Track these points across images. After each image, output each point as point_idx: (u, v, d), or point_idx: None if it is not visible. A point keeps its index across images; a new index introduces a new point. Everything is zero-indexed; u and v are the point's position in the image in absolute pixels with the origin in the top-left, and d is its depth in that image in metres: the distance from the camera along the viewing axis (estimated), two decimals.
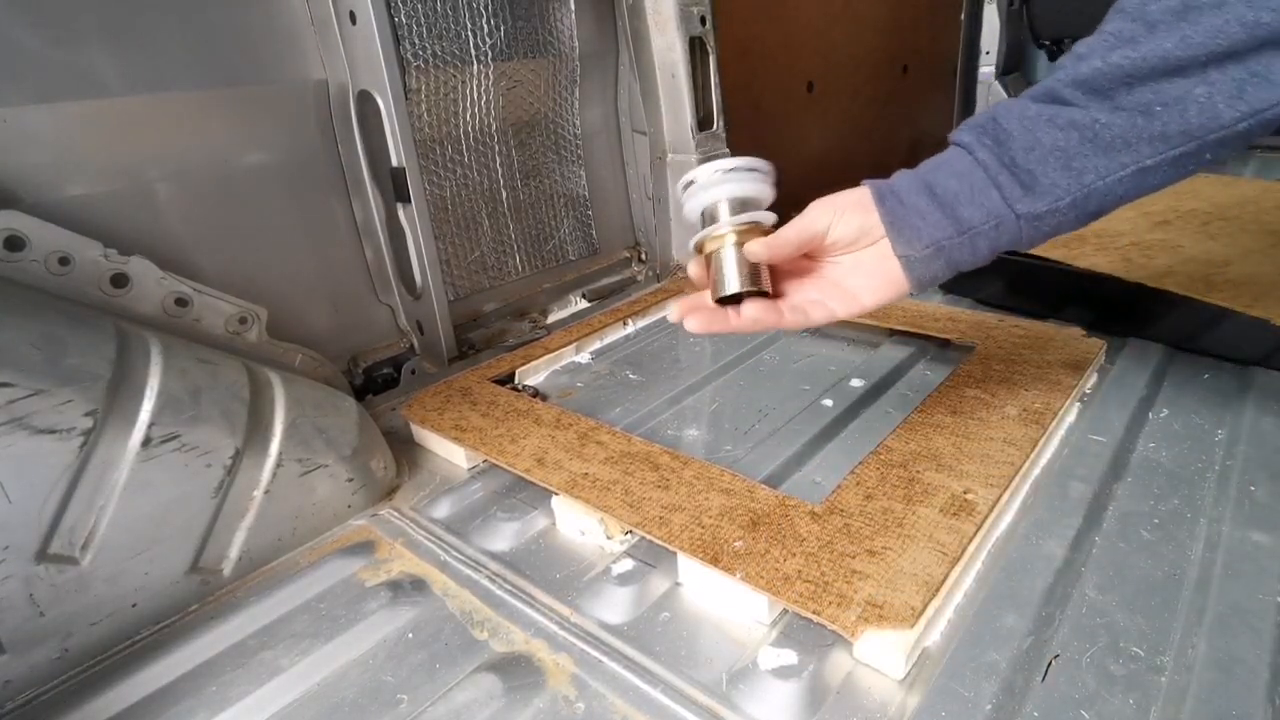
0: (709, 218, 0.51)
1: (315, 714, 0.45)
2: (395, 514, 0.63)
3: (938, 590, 0.45)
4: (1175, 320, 0.77)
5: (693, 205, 0.52)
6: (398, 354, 0.91)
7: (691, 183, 0.51)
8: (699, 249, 0.52)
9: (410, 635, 0.50)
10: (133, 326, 0.55)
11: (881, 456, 0.59)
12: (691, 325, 0.51)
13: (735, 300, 0.51)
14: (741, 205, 0.51)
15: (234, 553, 0.56)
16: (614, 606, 0.51)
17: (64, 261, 0.56)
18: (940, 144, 0.50)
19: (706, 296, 0.52)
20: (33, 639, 0.47)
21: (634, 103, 1.12)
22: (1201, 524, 0.53)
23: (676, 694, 0.44)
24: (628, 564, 0.54)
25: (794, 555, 0.49)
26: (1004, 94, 2.02)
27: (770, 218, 0.51)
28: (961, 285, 0.97)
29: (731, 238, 0.50)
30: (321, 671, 0.48)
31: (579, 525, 0.58)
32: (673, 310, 0.52)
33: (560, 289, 1.09)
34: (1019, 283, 0.89)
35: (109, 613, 0.50)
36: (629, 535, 0.57)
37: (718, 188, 0.50)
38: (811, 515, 0.53)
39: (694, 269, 0.54)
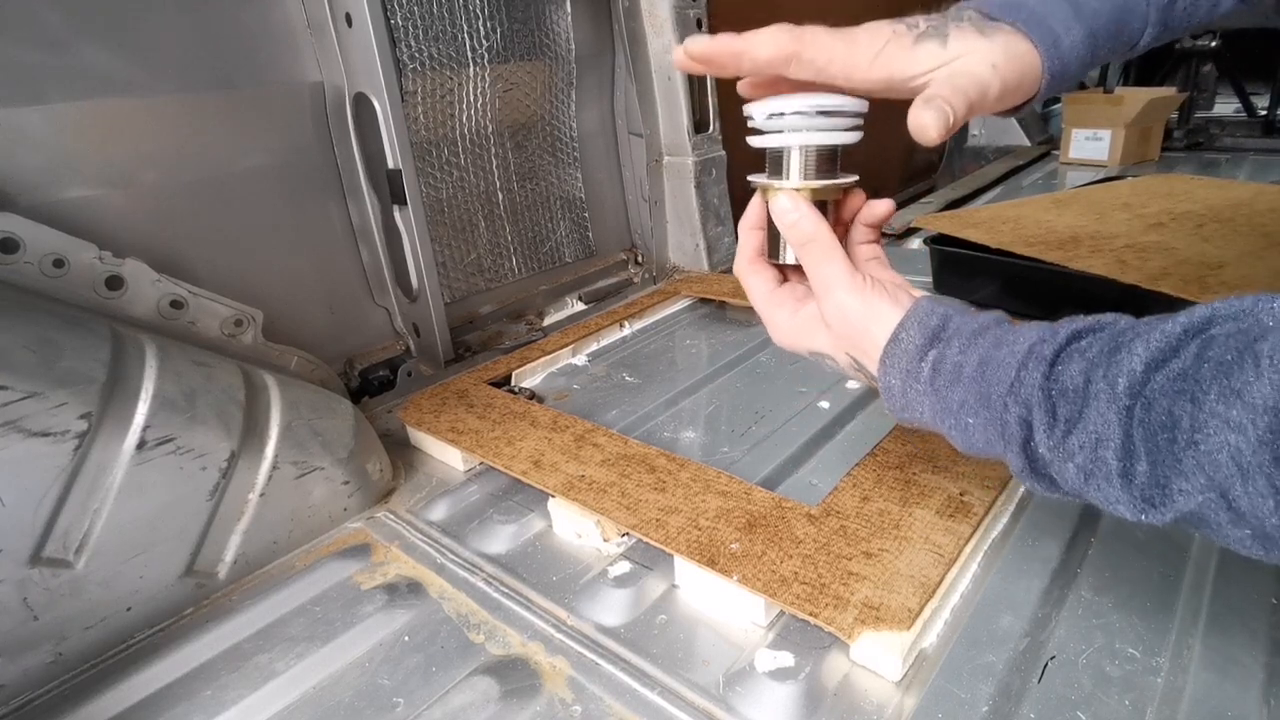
0: (778, 157, 0.43)
1: (311, 717, 0.45)
2: (391, 517, 0.63)
3: (934, 592, 0.45)
4: None
5: (763, 141, 0.44)
6: (394, 356, 0.91)
7: (780, 114, 0.42)
8: (761, 190, 0.45)
9: (406, 638, 0.50)
10: (128, 329, 0.55)
11: (878, 458, 0.59)
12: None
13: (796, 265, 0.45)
14: (827, 157, 0.43)
15: (229, 556, 0.56)
16: (611, 609, 0.51)
17: (58, 264, 0.56)
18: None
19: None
20: (26, 643, 0.47)
21: (630, 105, 1.12)
22: None
23: (673, 696, 0.44)
24: (624, 566, 0.54)
25: (790, 557, 0.49)
26: None
27: (850, 179, 0.44)
28: (958, 288, 0.97)
29: (805, 195, 0.43)
30: (317, 675, 0.48)
31: (575, 528, 0.58)
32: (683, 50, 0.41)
33: (557, 291, 1.09)
34: (1015, 285, 0.89)
35: (103, 616, 0.50)
36: (625, 537, 0.57)
37: (804, 133, 0.42)
38: (808, 517, 0.53)
39: (753, 210, 0.46)
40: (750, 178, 0.45)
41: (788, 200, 0.42)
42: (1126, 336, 0.31)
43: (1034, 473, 0.34)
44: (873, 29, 0.41)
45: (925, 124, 0.38)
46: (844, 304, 0.40)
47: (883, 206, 0.45)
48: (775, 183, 0.43)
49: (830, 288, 0.41)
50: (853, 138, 0.43)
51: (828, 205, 0.44)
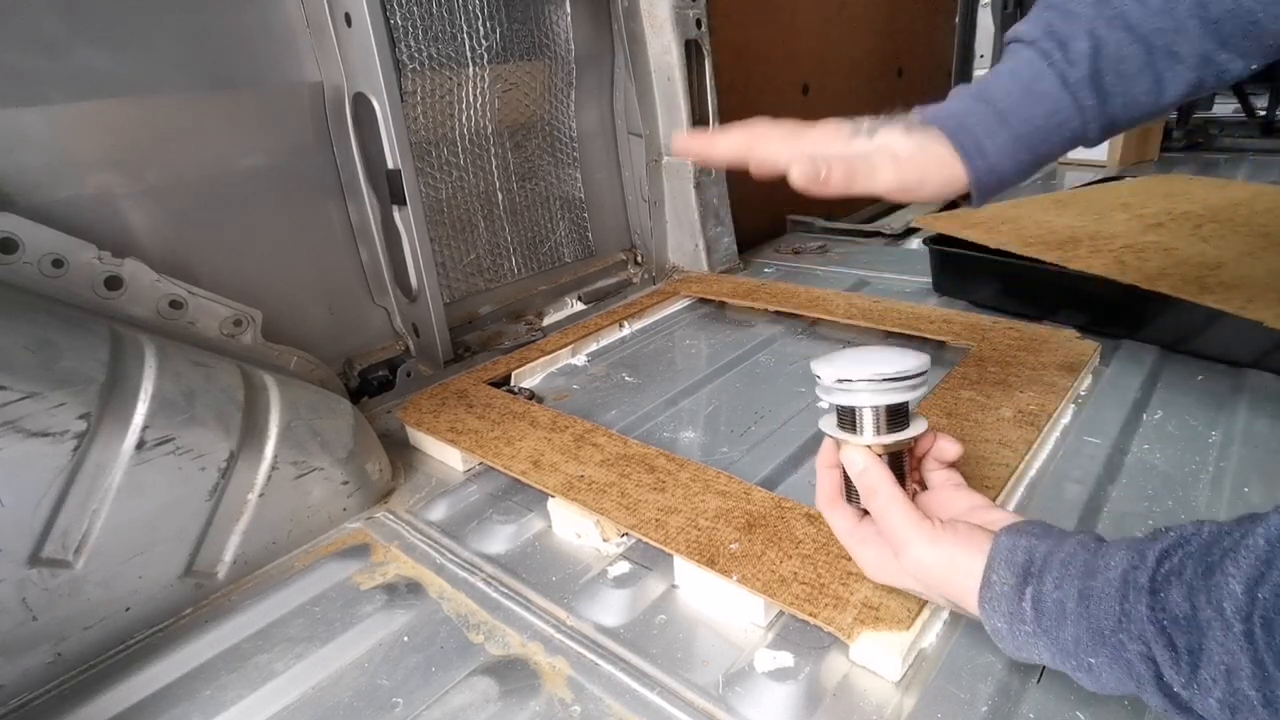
0: (850, 414, 0.46)
1: (310, 718, 0.45)
2: (391, 517, 0.63)
3: None
4: (1169, 322, 0.77)
5: (833, 399, 0.46)
6: (393, 356, 0.91)
7: (848, 380, 0.44)
8: (838, 443, 0.47)
9: (406, 639, 0.50)
10: (127, 329, 0.55)
11: None
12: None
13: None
14: (895, 412, 0.45)
15: (228, 556, 0.56)
16: (610, 609, 0.51)
17: (58, 264, 0.56)
18: None
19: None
20: (25, 643, 0.47)
21: (630, 105, 1.12)
22: None
23: (673, 696, 0.44)
24: (624, 566, 0.54)
25: (790, 557, 0.49)
26: None
27: (920, 427, 0.45)
28: (956, 288, 0.97)
29: (876, 451, 0.45)
30: (317, 675, 0.48)
31: (575, 528, 0.58)
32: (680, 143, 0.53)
33: (556, 291, 1.09)
34: (1013, 285, 0.89)
35: (102, 617, 0.50)
36: (625, 538, 0.57)
37: (872, 395, 0.44)
38: (808, 517, 0.53)
39: (828, 451, 0.48)
40: (823, 428, 0.47)
41: (857, 456, 0.45)
42: (1215, 555, 0.30)
43: (1179, 710, 0.32)
44: (825, 126, 0.50)
45: (794, 176, 0.47)
46: (921, 558, 0.40)
47: (952, 451, 0.47)
48: (848, 438, 0.45)
49: (904, 542, 0.41)
50: (917, 395, 0.45)
51: (901, 453, 0.46)
